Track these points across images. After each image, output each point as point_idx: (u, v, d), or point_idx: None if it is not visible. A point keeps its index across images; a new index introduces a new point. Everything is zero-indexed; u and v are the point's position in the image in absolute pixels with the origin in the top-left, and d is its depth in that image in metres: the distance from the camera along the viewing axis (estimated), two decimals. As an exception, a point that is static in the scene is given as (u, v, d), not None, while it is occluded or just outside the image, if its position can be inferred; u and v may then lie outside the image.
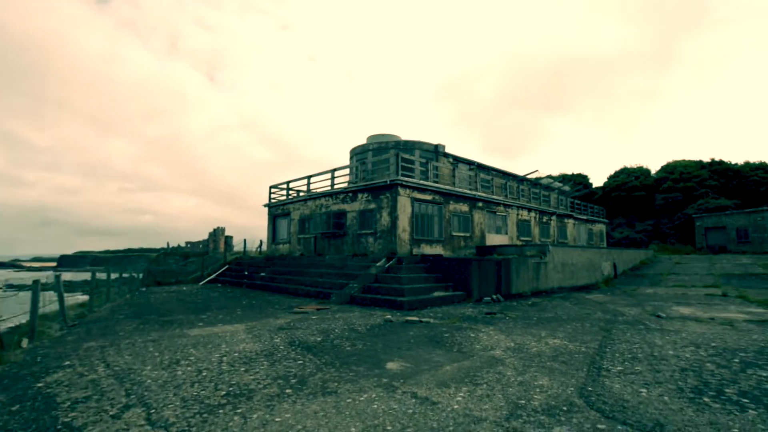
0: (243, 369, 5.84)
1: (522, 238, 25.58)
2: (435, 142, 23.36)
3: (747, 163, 51.61)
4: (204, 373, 5.63)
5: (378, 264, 15.56)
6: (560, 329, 8.91)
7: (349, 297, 13.65)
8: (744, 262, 28.47)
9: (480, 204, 22.12)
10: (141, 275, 25.57)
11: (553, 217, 29.46)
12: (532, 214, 27.08)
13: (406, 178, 17.70)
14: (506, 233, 24.17)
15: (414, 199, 18.03)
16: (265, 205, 25.82)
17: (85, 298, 14.64)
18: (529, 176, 30.37)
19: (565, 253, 20.10)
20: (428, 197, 18.75)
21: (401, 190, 17.42)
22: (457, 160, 23.76)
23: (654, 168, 55.77)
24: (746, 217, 38.92)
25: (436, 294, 13.66)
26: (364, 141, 24.88)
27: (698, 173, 49.47)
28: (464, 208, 20.96)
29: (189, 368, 5.89)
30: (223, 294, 16.75)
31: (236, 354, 6.69)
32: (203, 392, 4.88)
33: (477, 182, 22.45)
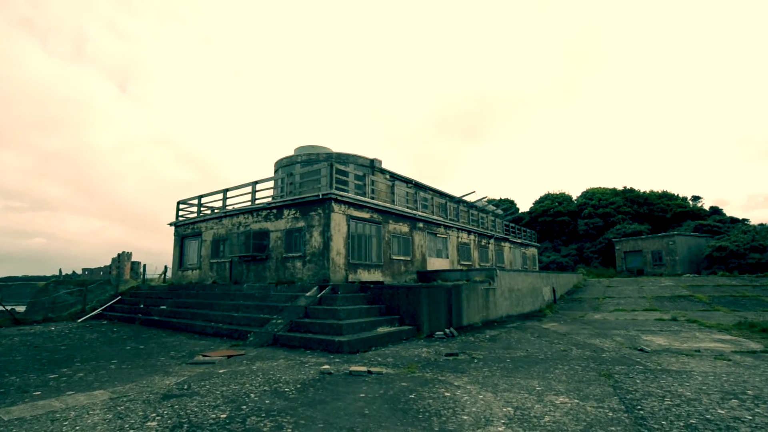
0: None
1: (462, 263, 24.09)
2: (371, 157, 21.36)
3: (652, 192, 55.98)
4: None
5: (308, 294, 12.82)
6: (550, 376, 6.89)
7: (272, 337, 10.75)
8: (667, 284, 29.41)
9: (421, 225, 20.25)
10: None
11: (491, 241, 28.54)
12: (472, 236, 25.83)
13: (342, 193, 15.31)
14: (447, 257, 22.51)
15: (350, 217, 15.64)
16: (171, 224, 21.89)
17: None
18: (465, 197, 29.38)
19: (511, 278, 18.74)
20: (366, 215, 16.47)
21: (336, 206, 14.97)
22: (395, 177, 21.89)
23: (575, 194, 58.67)
24: (660, 241, 41.37)
25: (381, 330, 11.22)
26: (291, 153, 22.21)
27: (614, 200, 52.57)
28: (404, 228, 18.94)
29: None
30: (104, 336, 12.92)
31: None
32: None
33: (417, 201, 20.65)
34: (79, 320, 17.48)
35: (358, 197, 16.07)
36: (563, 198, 57.36)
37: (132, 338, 12.28)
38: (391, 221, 17.95)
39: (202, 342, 11.41)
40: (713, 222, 47.00)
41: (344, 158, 20.31)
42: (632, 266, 44.01)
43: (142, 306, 18.01)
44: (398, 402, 5.47)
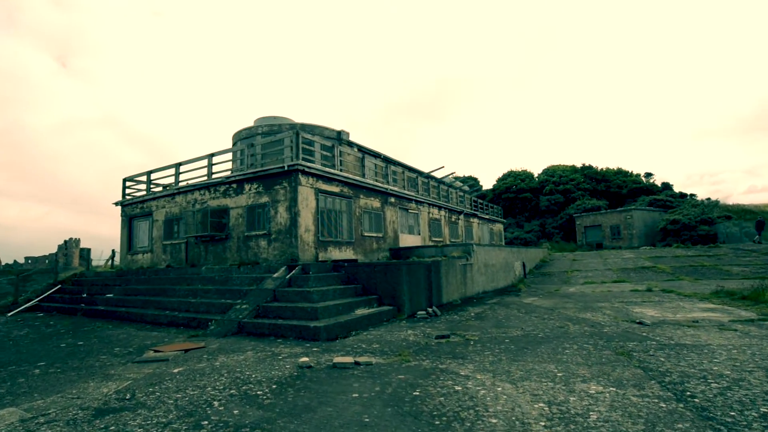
0: None
1: (434, 239, 23.34)
2: (337, 128, 19.95)
3: (609, 169, 57.49)
4: None
5: (276, 275, 11.52)
6: (564, 358, 6.07)
7: (237, 324, 9.44)
8: (628, 256, 30.00)
9: (392, 200, 19.19)
10: None
11: (461, 216, 27.95)
12: (443, 212, 25.07)
13: (309, 164, 13.93)
14: (419, 233, 21.64)
15: (319, 191, 14.32)
16: (117, 203, 19.72)
17: None
18: (434, 173, 28.53)
19: (486, 253, 18.13)
20: (336, 189, 15.19)
21: (303, 179, 13.60)
22: (363, 151, 20.60)
23: (536, 171, 59.36)
24: (618, 216, 42.45)
25: (359, 312, 10.15)
26: (251, 124, 20.41)
27: (574, 176, 53.54)
28: (376, 203, 17.81)
29: None
30: (36, 331, 11.13)
31: None
32: None
33: (388, 175, 19.51)
34: (9, 314, 15.35)
35: (327, 169, 14.74)
36: (525, 175, 57.93)
37: (70, 333, 10.61)
38: (362, 196, 16.76)
39: (155, 333, 9.95)
40: (665, 197, 48.81)
41: (309, 129, 18.80)
42: (592, 240, 45.15)
43: (85, 295, 16.07)
44: (402, 402, 4.43)
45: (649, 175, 59.34)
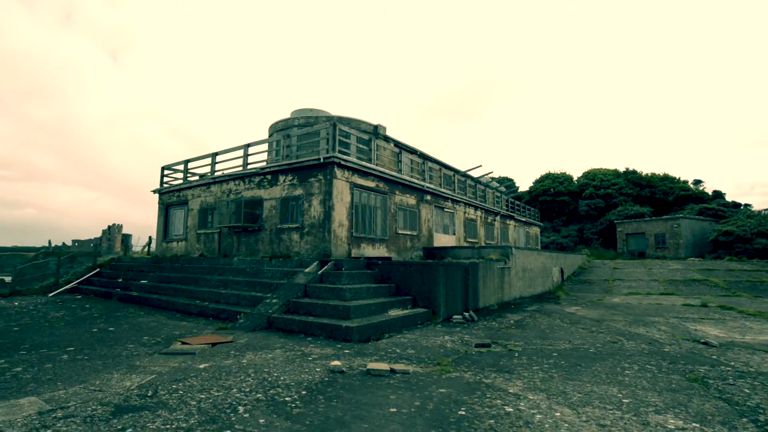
0: None
1: (469, 239, 22.59)
2: (374, 123, 19.50)
3: (654, 174, 54.70)
4: None
5: (307, 270, 11.18)
6: (626, 381, 5.38)
7: (266, 319, 9.14)
8: (675, 267, 28.26)
9: (428, 197, 18.60)
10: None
11: (497, 218, 27.02)
12: (479, 212, 24.27)
13: (345, 157, 13.54)
14: (454, 233, 20.95)
15: (354, 185, 13.92)
16: (155, 191, 19.99)
17: None
18: (470, 172, 27.69)
19: (524, 257, 17.28)
20: (371, 183, 14.75)
21: (338, 172, 13.22)
22: (400, 147, 20.07)
23: (576, 174, 57.19)
24: (664, 224, 40.21)
25: (393, 313, 9.66)
26: (287, 116, 20.25)
27: (616, 181, 51.21)
28: (411, 201, 17.27)
29: None
30: (71, 314, 11.23)
31: None
32: None
33: (425, 172, 18.92)
34: (50, 294, 15.73)
35: (363, 163, 14.32)
36: (564, 178, 55.89)
37: (103, 317, 10.61)
38: (397, 192, 16.26)
39: (184, 323, 9.79)
40: (717, 206, 45.92)
41: (346, 122, 18.43)
42: (634, 249, 42.99)
43: (120, 280, 16.31)
44: (446, 423, 3.90)
45: (698, 182, 56.14)
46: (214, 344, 7.34)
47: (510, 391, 4.93)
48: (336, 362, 5.92)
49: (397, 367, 5.79)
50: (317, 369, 5.74)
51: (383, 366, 5.70)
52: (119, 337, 8.15)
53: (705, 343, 7.96)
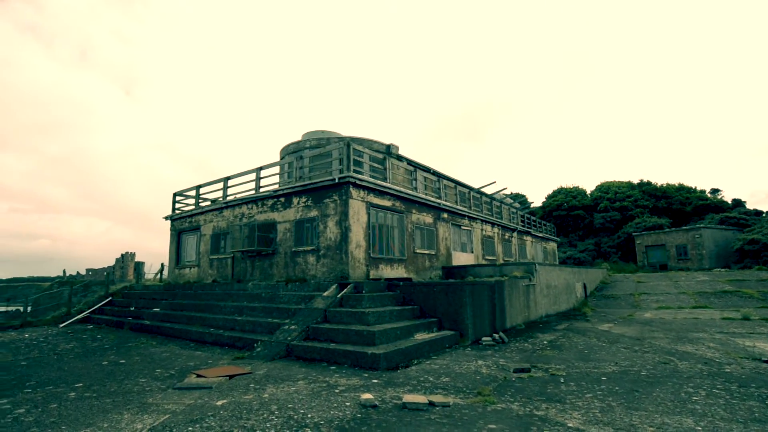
0: None
1: (487, 257, 21.92)
2: (386, 142, 19.20)
3: (669, 185, 53.63)
4: None
5: (326, 294, 10.67)
6: (697, 409, 4.74)
7: (285, 347, 8.59)
8: (702, 279, 27.17)
9: (445, 215, 18.09)
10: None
11: (515, 234, 26.35)
12: (496, 229, 23.65)
13: (361, 176, 13.15)
14: (472, 251, 20.34)
15: (370, 204, 13.49)
16: (166, 218, 19.77)
17: None
18: (484, 188, 27.19)
19: (548, 273, 16.59)
20: (387, 203, 14.31)
21: (354, 191, 12.82)
22: (414, 165, 19.70)
23: (589, 188, 56.28)
24: (684, 235, 39.07)
25: (419, 337, 9.07)
26: (299, 138, 20.06)
27: (630, 193, 50.24)
28: (428, 219, 16.77)
29: None
30: (82, 345, 10.78)
31: None
32: None
33: (441, 189, 18.46)
34: (62, 325, 15.35)
35: (379, 182, 13.92)
36: (577, 192, 55.03)
37: (114, 348, 10.15)
38: (414, 210, 15.79)
39: (198, 353, 9.28)
40: (738, 215, 44.66)
41: (358, 142, 18.13)
42: (655, 261, 41.74)
43: (133, 308, 15.90)
44: (507, 468, 3.32)
45: (715, 191, 54.89)
46: (231, 376, 6.80)
47: (569, 425, 4.32)
48: (367, 395, 5.35)
49: (435, 398, 5.21)
50: (347, 403, 5.17)
51: (420, 398, 5.12)
52: (130, 370, 7.66)
53: (766, 361, 7.24)
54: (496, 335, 10.19)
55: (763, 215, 46.76)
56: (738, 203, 50.53)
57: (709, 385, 5.80)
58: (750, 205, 51.49)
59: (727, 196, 53.39)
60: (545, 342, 9.98)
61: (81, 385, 6.57)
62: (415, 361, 7.79)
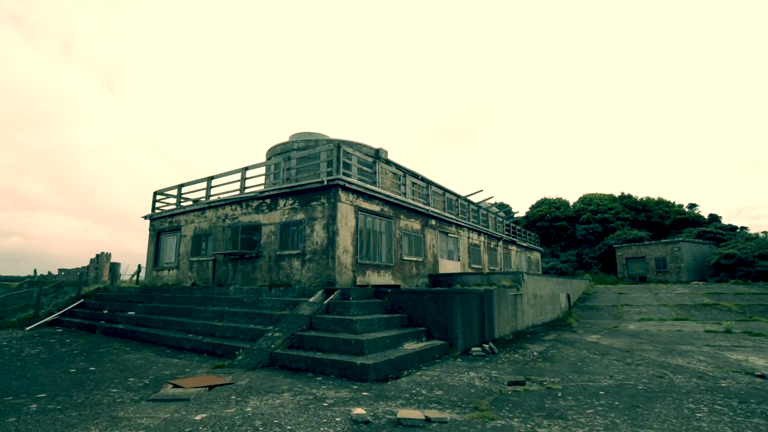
0: None
1: (473, 266, 21.77)
2: (375, 146, 18.94)
3: (649, 199, 54.71)
4: None
5: (312, 300, 10.28)
6: (706, 427, 4.54)
7: (268, 355, 8.18)
8: (682, 291, 27.57)
9: (433, 222, 17.88)
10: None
11: (500, 243, 26.31)
12: (482, 238, 23.55)
13: (350, 179, 12.84)
14: (458, 259, 20.16)
15: (359, 209, 13.17)
16: (146, 217, 19.07)
17: None
18: (471, 197, 27.15)
19: (535, 283, 16.51)
20: (376, 207, 14.02)
21: (343, 195, 12.50)
22: (403, 171, 19.48)
23: (572, 199, 57.02)
24: (664, 248, 39.76)
25: (408, 347, 8.76)
26: (285, 140, 19.65)
27: (612, 206, 51.06)
28: (416, 225, 16.53)
29: None
30: (49, 350, 10.13)
31: None
32: None
33: (429, 196, 18.25)
34: (28, 328, 14.54)
35: (369, 186, 13.62)
36: (560, 203, 55.68)
37: (84, 354, 9.56)
38: (402, 216, 15.53)
39: (175, 361, 8.78)
40: (715, 229, 45.74)
41: (347, 145, 17.83)
42: (635, 273, 42.37)
43: (106, 311, 15.19)
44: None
45: (693, 206, 56.17)
46: (211, 387, 6.37)
47: (576, 445, 4.07)
48: (358, 410, 5.01)
49: (431, 414, 4.90)
50: (337, 419, 4.83)
51: (416, 414, 4.80)
52: (101, 378, 7.15)
53: (762, 376, 7.15)
54: (486, 345, 9.95)
55: (738, 230, 48.01)
56: (714, 218, 51.78)
57: (709, 401, 5.64)
58: (725, 221, 52.74)
59: (704, 211, 54.65)
60: (535, 353, 9.78)
61: (44, 395, 6.06)
62: (405, 372, 7.48)
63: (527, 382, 6.82)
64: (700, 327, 15.53)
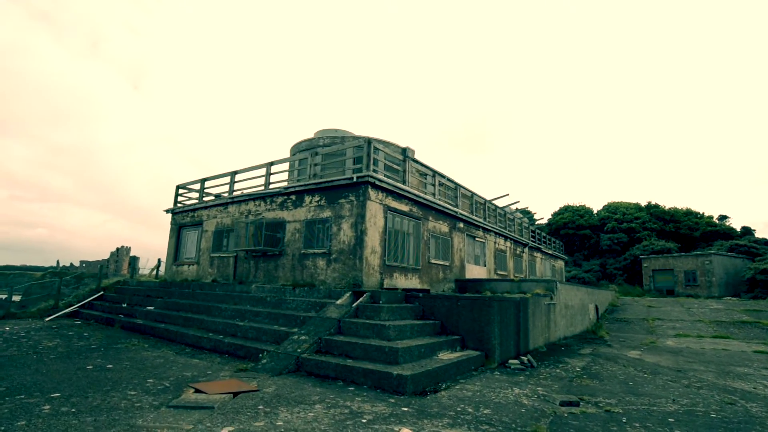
0: None
1: (499, 272, 20.99)
2: (402, 145, 18.36)
3: (677, 209, 52.88)
4: None
5: (339, 302, 9.73)
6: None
7: (294, 360, 7.64)
8: (716, 307, 26.24)
9: (461, 225, 17.20)
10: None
11: (526, 249, 25.45)
12: (509, 243, 22.75)
13: (381, 177, 12.29)
14: (485, 264, 19.42)
15: (388, 208, 12.60)
16: (167, 211, 18.84)
17: None
18: (496, 201, 26.33)
19: (567, 292, 15.68)
20: (405, 207, 13.43)
21: (372, 193, 11.94)
22: (431, 171, 18.84)
23: (595, 207, 55.56)
24: (694, 260, 38.20)
25: (443, 356, 8.13)
26: (311, 136, 19.22)
27: (638, 215, 49.46)
28: (444, 228, 15.88)
29: None
30: (67, 343, 9.80)
31: None
32: None
33: (458, 197, 17.58)
34: (47, 318, 14.35)
35: (398, 185, 13.05)
36: (584, 211, 54.22)
37: (101, 350, 9.18)
38: (431, 218, 14.91)
39: (195, 361, 8.32)
40: (748, 243, 43.86)
41: (375, 142, 17.31)
42: (662, 286, 40.81)
43: (125, 305, 14.92)
44: None
45: (723, 217, 54.14)
46: (235, 394, 5.86)
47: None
48: (404, 430, 4.41)
49: (488, 440, 4.28)
50: (380, 440, 4.24)
51: (471, 439, 4.19)
52: (118, 378, 6.70)
53: None
54: (523, 358, 9.26)
55: (773, 245, 45.96)
56: (747, 231, 49.77)
57: (806, 439, 4.89)
58: (759, 234, 50.70)
59: (735, 224, 52.67)
60: (577, 368, 9.05)
61: (59, 395, 5.61)
62: (443, 386, 6.85)
63: (581, 403, 6.13)
64: (746, 346, 14.52)
